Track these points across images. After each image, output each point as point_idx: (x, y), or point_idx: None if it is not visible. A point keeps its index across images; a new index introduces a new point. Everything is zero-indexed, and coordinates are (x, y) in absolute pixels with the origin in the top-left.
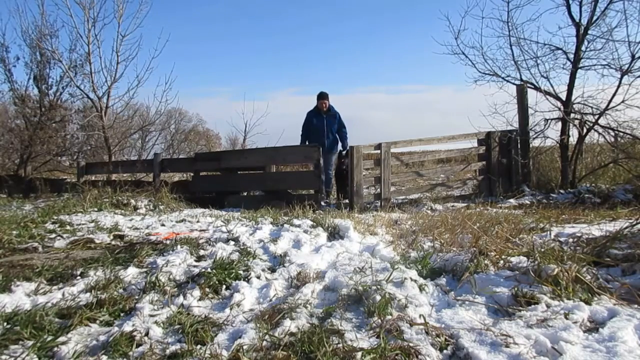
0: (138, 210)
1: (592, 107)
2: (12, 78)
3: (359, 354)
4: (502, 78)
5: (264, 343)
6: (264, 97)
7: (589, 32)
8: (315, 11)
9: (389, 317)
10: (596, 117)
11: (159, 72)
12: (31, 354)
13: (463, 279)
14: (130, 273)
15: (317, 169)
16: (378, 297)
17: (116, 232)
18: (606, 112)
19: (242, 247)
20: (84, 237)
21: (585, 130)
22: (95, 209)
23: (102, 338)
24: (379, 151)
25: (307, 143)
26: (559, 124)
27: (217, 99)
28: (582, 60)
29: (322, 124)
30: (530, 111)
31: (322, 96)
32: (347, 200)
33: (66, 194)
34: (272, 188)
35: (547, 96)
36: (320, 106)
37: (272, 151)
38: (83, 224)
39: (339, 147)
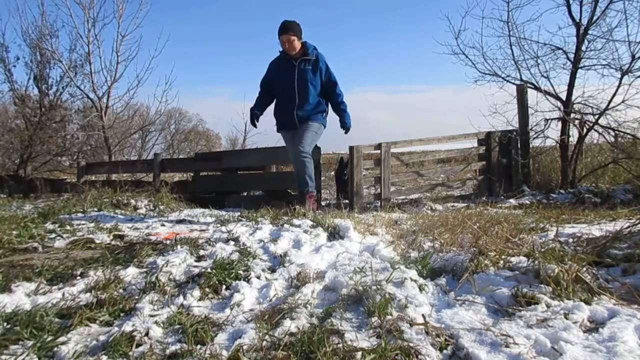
0: (138, 210)
1: (592, 107)
2: (12, 78)
3: (359, 354)
4: (502, 78)
5: (264, 343)
6: None
7: (589, 32)
8: (315, 11)
9: (389, 317)
10: (596, 117)
11: (159, 72)
12: (31, 354)
13: (463, 279)
14: (130, 273)
15: (317, 169)
16: (378, 297)
17: (116, 232)
18: (606, 112)
19: (242, 247)
20: (84, 237)
21: (585, 130)
22: (95, 209)
23: (102, 338)
24: (379, 151)
25: (257, 111)
26: (559, 124)
27: (217, 99)
28: (583, 60)
29: (292, 75)
30: (530, 111)
31: (284, 28)
32: (347, 200)
33: (66, 194)
34: (272, 188)
35: (547, 96)
36: (284, 47)
37: (272, 151)
38: (83, 224)
39: (324, 116)
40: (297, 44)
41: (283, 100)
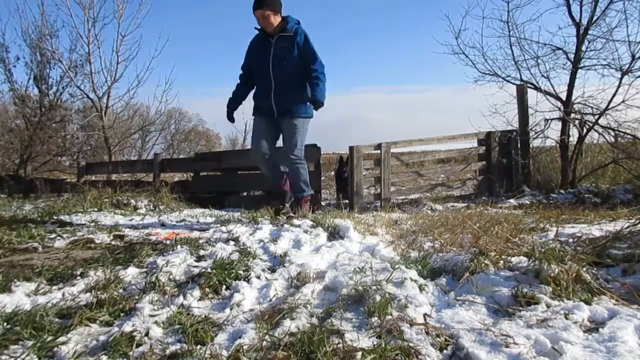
0: (138, 210)
1: (592, 107)
2: (12, 78)
3: (359, 354)
4: (502, 78)
5: (264, 343)
6: None
7: (589, 32)
8: (315, 11)
9: (389, 317)
10: (596, 117)
11: (159, 72)
12: (31, 354)
13: (463, 279)
14: (130, 273)
15: (317, 169)
16: (378, 297)
17: (116, 232)
18: (606, 112)
19: (242, 247)
20: (84, 237)
21: (585, 130)
22: (95, 209)
23: (102, 338)
24: (379, 151)
25: (234, 99)
26: (559, 124)
27: (217, 99)
28: (583, 60)
29: (267, 54)
30: (530, 111)
31: (258, 3)
32: (347, 200)
33: (66, 194)
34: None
35: (547, 96)
36: (259, 24)
37: None
38: (83, 224)
39: (307, 106)
40: (274, 20)
41: (260, 83)
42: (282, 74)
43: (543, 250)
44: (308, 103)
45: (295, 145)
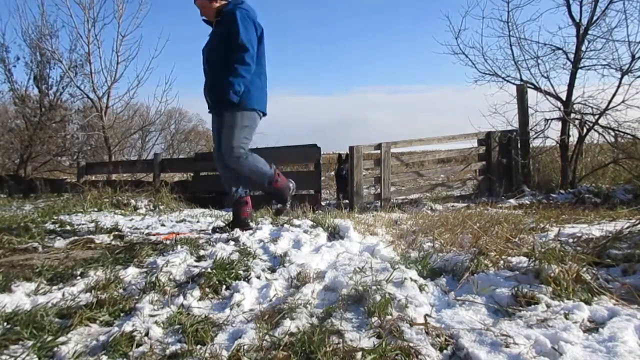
0: (138, 210)
1: (592, 107)
2: (12, 78)
3: (359, 354)
4: (502, 78)
5: (264, 343)
6: None
7: (589, 32)
8: (315, 11)
9: (389, 317)
10: (596, 117)
11: (159, 72)
12: (31, 354)
13: (463, 279)
14: (130, 273)
15: (317, 169)
16: (378, 297)
17: (116, 232)
18: (606, 112)
19: (242, 247)
20: (84, 237)
21: (585, 130)
22: (95, 209)
23: (102, 338)
24: (379, 151)
25: None
26: (559, 124)
27: None
28: (583, 60)
29: (206, 46)
30: (530, 111)
31: None
32: (347, 200)
33: (66, 194)
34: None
35: (547, 96)
36: (201, 14)
37: (272, 151)
38: (83, 224)
39: (237, 98)
40: (212, 7)
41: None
42: (213, 63)
43: (543, 250)
44: (233, 94)
45: (228, 144)
